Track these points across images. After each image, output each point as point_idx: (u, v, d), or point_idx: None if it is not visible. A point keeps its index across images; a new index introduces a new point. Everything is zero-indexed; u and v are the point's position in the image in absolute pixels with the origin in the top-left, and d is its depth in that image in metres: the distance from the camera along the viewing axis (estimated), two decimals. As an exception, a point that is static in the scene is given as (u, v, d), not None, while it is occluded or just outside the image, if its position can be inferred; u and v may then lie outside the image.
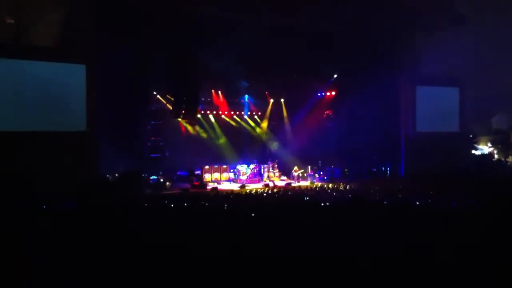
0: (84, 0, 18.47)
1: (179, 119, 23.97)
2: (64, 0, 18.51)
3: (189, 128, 25.32)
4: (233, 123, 27.43)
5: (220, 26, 20.13)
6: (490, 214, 9.26)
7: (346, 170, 26.00)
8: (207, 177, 23.54)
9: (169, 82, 22.88)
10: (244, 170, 23.98)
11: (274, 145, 27.95)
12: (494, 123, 36.82)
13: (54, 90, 18.11)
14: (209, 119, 26.39)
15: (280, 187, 21.96)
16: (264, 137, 28.28)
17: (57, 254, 6.69)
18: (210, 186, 22.28)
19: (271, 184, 23.00)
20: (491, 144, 35.83)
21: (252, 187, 22.13)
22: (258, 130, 28.12)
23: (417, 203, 13.29)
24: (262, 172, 24.64)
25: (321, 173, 25.20)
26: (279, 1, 19.95)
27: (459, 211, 11.69)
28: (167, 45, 20.51)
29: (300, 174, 24.49)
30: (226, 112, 27.01)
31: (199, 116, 25.08)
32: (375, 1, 21.32)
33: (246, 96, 27.36)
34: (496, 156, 34.00)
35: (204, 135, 26.00)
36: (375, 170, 26.11)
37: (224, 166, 24.43)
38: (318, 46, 22.40)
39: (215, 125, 26.52)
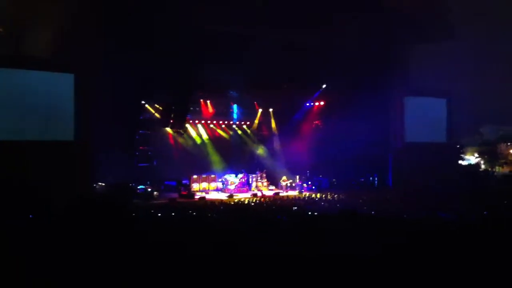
0: (73, 10, 18.30)
1: (167, 129, 23.88)
2: (53, 10, 18.37)
3: (177, 137, 25.23)
4: (221, 132, 27.41)
5: (212, 39, 20.15)
6: (479, 225, 9.32)
7: (334, 180, 26.06)
8: (195, 186, 23.44)
9: (158, 92, 22.79)
10: (232, 179, 23.93)
11: (260, 151, 27.85)
12: (482, 134, 37.22)
13: (42, 99, 17.83)
14: (198, 128, 26.34)
15: (268, 197, 21.95)
16: (250, 143, 28.22)
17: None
18: (198, 195, 22.18)
19: (259, 194, 22.99)
20: (478, 154, 36.19)
21: (240, 196, 22.10)
22: (245, 138, 28.08)
23: (405, 216, 13.24)
24: (250, 182, 24.60)
25: (309, 182, 25.21)
26: (270, 15, 20.01)
27: (447, 222, 11.73)
28: (158, 56, 20.43)
29: (288, 184, 24.49)
30: (214, 122, 26.99)
31: (187, 125, 25.02)
32: (364, 15, 21.41)
33: (235, 106, 27.34)
34: (483, 166, 34.32)
35: (192, 144, 25.90)
36: (363, 180, 26.16)
37: (212, 176, 24.35)
38: (307, 57, 22.49)
39: (203, 134, 26.48)
